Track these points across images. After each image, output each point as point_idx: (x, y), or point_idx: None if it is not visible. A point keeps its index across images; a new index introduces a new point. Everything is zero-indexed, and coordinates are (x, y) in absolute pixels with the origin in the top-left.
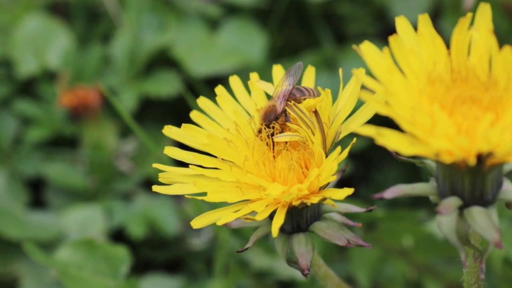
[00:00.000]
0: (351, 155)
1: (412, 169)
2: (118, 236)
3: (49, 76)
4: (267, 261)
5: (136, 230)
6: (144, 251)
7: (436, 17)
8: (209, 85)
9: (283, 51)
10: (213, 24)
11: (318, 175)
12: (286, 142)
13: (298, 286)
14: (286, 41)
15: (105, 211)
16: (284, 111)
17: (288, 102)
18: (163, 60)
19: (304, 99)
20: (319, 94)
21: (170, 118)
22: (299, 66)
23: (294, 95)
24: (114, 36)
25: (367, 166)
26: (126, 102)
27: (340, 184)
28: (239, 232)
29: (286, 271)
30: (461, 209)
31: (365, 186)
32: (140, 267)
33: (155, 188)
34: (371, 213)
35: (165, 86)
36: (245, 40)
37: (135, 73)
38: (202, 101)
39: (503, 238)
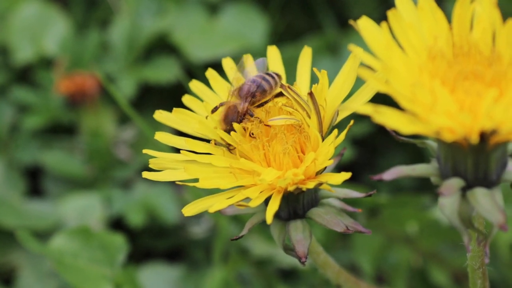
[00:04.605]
0: (355, 141)
1: (417, 155)
2: (117, 224)
3: (47, 63)
4: (267, 249)
5: (136, 219)
6: (144, 239)
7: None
8: None
9: (285, 35)
10: (212, 9)
11: (315, 160)
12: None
13: (299, 274)
14: (288, 25)
15: (104, 200)
16: (250, 112)
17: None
18: (162, 46)
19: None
20: (280, 78)
21: (170, 104)
22: (262, 62)
23: (259, 93)
24: (113, 22)
25: (372, 151)
26: (125, 89)
27: (343, 170)
28: (238, 219)
29: (287, 259)
30: (464, 190)
31: (369, 172)
32: (140, 256)
33: (145, 174)
34: (374, 199)
35: (165, 72)
36: (245, 24)
37: (134, 59)
38: (195, 85)
39: (510, 222)
